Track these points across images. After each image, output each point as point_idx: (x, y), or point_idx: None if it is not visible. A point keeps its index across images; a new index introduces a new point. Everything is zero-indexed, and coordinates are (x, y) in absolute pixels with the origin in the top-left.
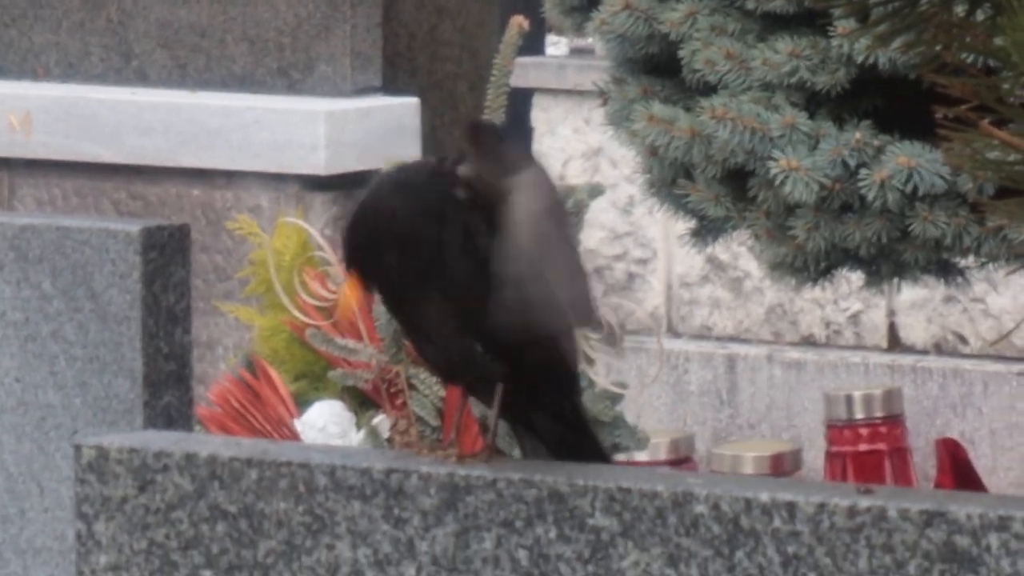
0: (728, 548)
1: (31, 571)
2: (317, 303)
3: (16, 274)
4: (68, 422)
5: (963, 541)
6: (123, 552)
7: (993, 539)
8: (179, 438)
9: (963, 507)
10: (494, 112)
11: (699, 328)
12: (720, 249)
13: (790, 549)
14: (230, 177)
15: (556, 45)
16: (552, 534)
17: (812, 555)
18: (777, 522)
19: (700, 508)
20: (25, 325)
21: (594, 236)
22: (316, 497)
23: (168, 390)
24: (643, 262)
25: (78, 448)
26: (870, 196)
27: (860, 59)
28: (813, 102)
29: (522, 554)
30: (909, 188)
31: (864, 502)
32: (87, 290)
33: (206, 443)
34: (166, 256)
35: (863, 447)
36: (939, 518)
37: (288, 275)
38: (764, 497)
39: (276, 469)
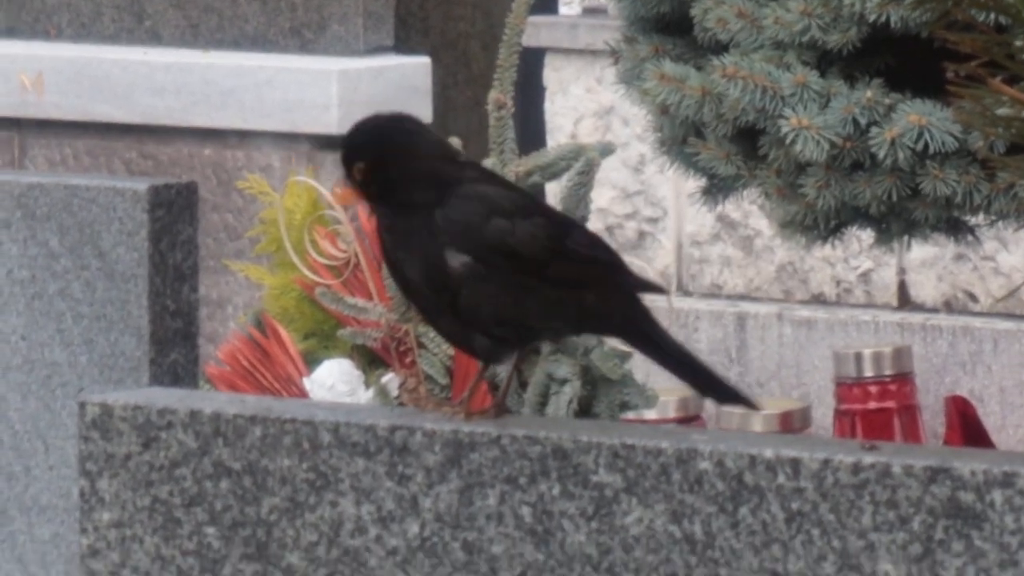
0: (732, 504)
1: (36, 528)
2: (327, 262)
3: (23, 232)
4: (74, 380)
5: (967, 497)
6: (126, 509)
7: (997, 495)
8: (183, 395)
9: (967, 463)
10: (506, 71)
11: (709, 287)
12: (731, 207)
13: (794, 505)
14: (242, 137)
15: (569, 4)
16: (556, 491)
17: (816, 511)
18: (781, 478)
19: (704, 464)
20: (32, 283)
21: (605, 195)
22: (320, 454)
23: (174, 348)
24: (654, 221)
25: (82, 405)
26: (881, 154)
27: (872, 17)
28: (824, 60)
29: (526, 511)
30: (920, 146)
31: (868, 458)
32: (94, 248)
33: (210, 400)
34: (173, 214)
35: (872, 405)
36: (943, 474)
37: (298, 234)
38: (768, 453)
39: (280, 426)
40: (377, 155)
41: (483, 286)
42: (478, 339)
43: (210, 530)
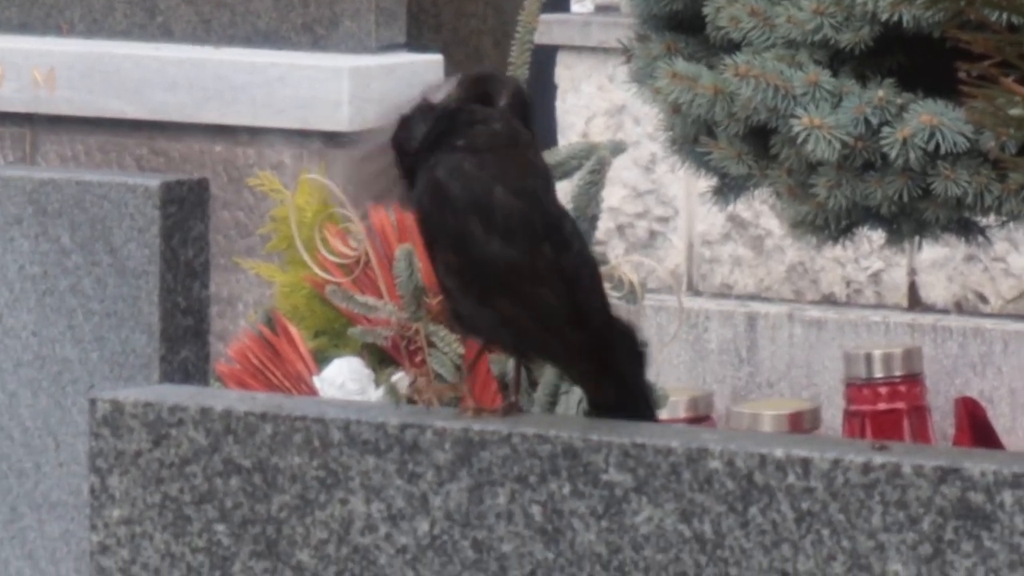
0: (742, 504)
1: (46, 525)
2: (338, 260)
3: (35, 228)
4: (85, 376)
5: (977, 498)
6: (136, 506)
7: (1007, 496)
8: (194, 392)
9: (977, 464)
10: (518, 69)
11: (720, 286)
12: (742, 207)
13: (804, 505)
14: (253, 133)
15: (581, 2)
16: (566, 489)
17: (826, 511)
18: (791, 478)
19: (714, 464)
20: (43, 279)
21: (616, 194)
22: (330, 452)
23: (185, 345)
24: (664, 220)
25: (93, 402)
26: (892, 154)
27: (884, 17)
28: (837, 60)
29: (536, 509)
30: (931, 146)
31: (878, 458)
32: (105, 244)
33: (221, 397)
34: (185, 211)
35: (882, 406)
36: (953, 475)
37: (309, 232)
38: (778, 453)
39: (291, 424)
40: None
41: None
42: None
43: (220, 527)
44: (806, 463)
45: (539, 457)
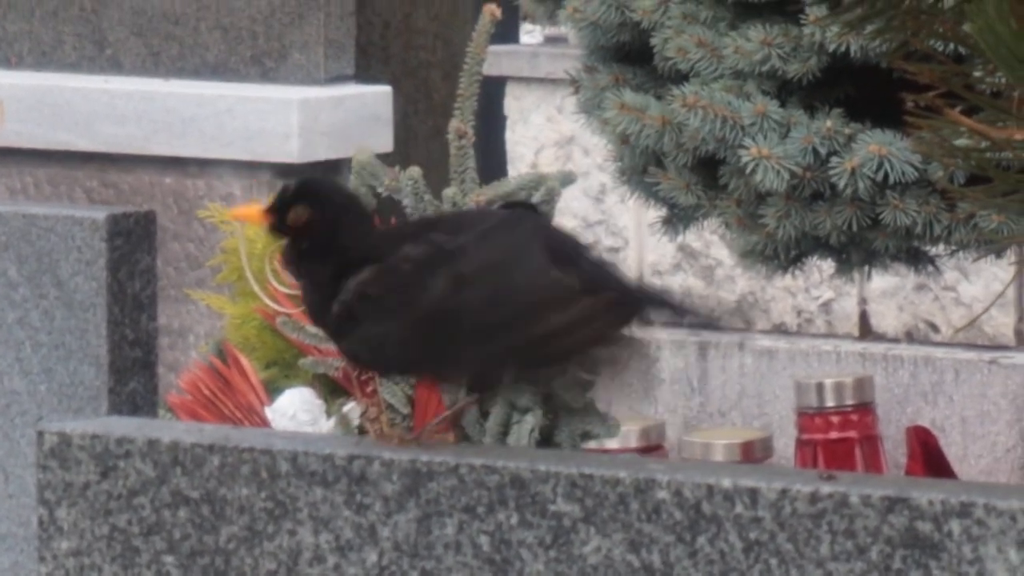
0: (690, 534)
1: None
2: (288, 291)
3: None
4: (33, 409)
5: (925, 527)
6: (85, 538)
7: (955, 525)
8: (141, 424)
9: (925, 493)
10: (467, 100)
11: (671, 316)
12: (692, 237)
13: (752, 535)
14: (203, 165)
15: (530, 33)
16: (514, 520)
17: (774, 541)
18: (739, 508)
19: (662, 494)
20: None
21: (566, 224)
22: (278, 483)
23: (133, 377)
24: (615, 250)
25: (40, 434)
26: (841, 184)
27: (832, 47)
28: (784, 90)
29: (484, 539)
30: (880, 176)
31: (826, 488)
32: (53, 277)
33: (168, 429)
34: (132, 243)
35: (834, 435)
36: (901, 504)
37: (259, 263)
38: (726, 483)
39: (238, 455)
40: (328, 209)
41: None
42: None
43: (169, 559)
44: (754, 493)
45: (487, 487)
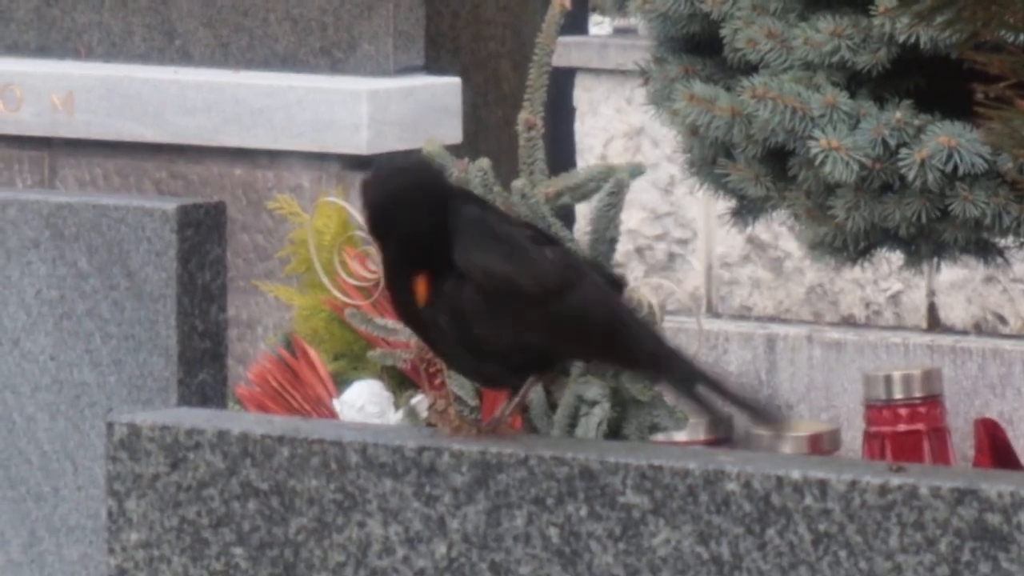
0: (759, 526)
1: (64, 549)
2: (357, 283)
3: (52, 252)
4: (103, 400)
5: (994, 519)
6: (154, 529)
7: None
8: (211, 416)
9: (994, 485)
10: (536, 91)
11: (739, 308)
12: (760, 229)
13: (821, 527)
14: (272, 157)
15: (599, 24)
16: (583, 511)
17: (843, 533)
18: (808, 500)
19: (731, 486)
20: (61, 303)
21: (635, 216)
22: (348, 475)
23: (203, 368)
24: (683, 242)
25: (110, 426)
26: (910, 176)
27: (901, 38)
28: (854, 81)
29: (553, 531)
30: (949, 168)
31: (895, 480)
32: (123, 268)
33: (238, 421)
34: (202, 234)
35: (902, 427)
36: (970, 496)
37: (328, 255)
38: (795, 475)
39: (308, 447)
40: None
41: (494, 319)
42: (488, 366)
43: (238, 550)
44: (823, 485)
45: (556, 479)
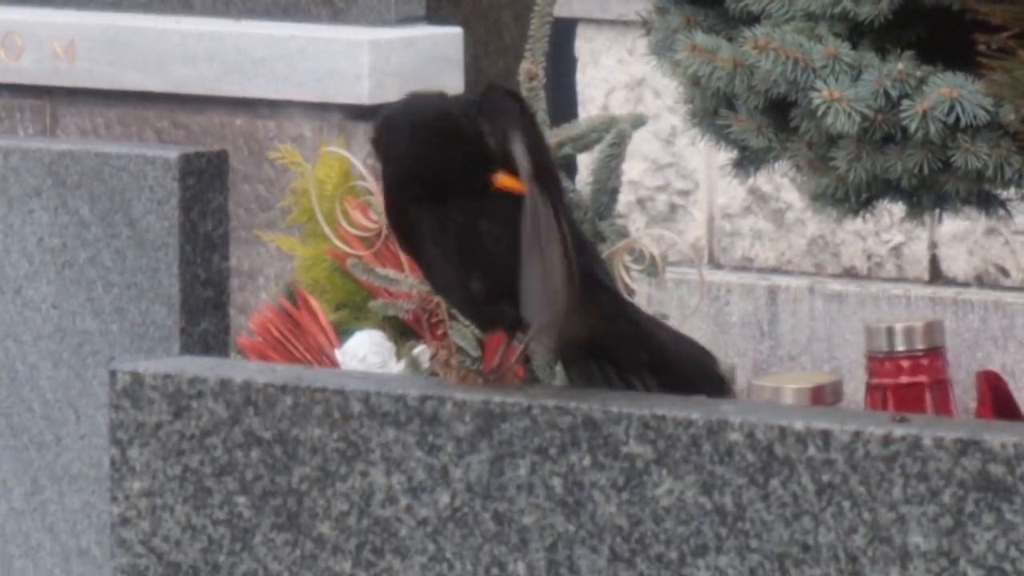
0: (762, 476)
1: (67, 497)
2: (359, 233)
3: (54, 200)
4: (105, 349)
5: (997, 470)
6: (157, 478)
7: None
8: (214, 364)
9: (997, 436)
10: (537, 42)
11: (740, 259)
12: (762, 180)
13: (824, 477)
14: (273, 106)
15: None
16: (586, 461)
17: (846, 483)
18: (812, 450)
19: (735, 436)
20: (63, 251)
21: (636, 167)
22: (351, 424)
23: (205, 317)
24: (685, 193)
25: (113, 374)
26: (912, 127)
27: None
28: (856, 32)
29: (556, 481)
30: (951, 119)
31: (899, 431)
32: (125, 216)
33: (241, 369)
34: (204, 182)
35: (904, 379)
36: (973, 447)
37: (330, 205)
38: (799, 425)
39: (311, 395)
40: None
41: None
42: (505, 308)
43: (241, 499)
44: (826, 435)
45: (559, 429)
